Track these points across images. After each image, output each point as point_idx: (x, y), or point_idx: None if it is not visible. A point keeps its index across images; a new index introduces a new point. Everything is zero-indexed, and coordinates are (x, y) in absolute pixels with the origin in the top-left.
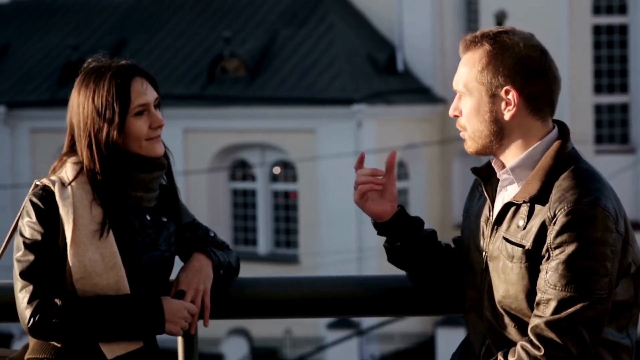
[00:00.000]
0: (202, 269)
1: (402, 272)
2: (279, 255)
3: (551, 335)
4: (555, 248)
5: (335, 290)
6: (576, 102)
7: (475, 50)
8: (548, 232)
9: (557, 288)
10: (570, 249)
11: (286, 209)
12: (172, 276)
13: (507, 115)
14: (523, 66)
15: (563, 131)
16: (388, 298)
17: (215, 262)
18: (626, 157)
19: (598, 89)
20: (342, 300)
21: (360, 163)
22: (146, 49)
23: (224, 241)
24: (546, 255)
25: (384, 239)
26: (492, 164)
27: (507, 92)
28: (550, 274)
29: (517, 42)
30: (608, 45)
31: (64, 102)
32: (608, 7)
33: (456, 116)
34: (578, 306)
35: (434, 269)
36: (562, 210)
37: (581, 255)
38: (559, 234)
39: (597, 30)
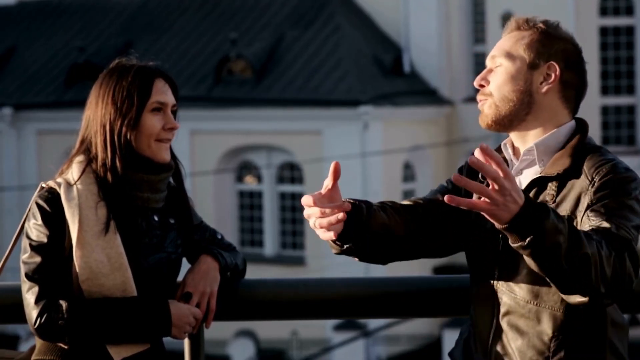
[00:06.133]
0: (209, 271)
1: (408, 274)
2: (285, 257)
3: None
4: (596, 202)
5: (341, 292)
6: (583, 103)
7: (527, 30)
8: (585, 196)
9: (602, 226)
10: (609, 198)
11: (292, 211)
12: (180, 278)
13: (543, 89)
14: (568, 55)
15: (583, 126)
16: (394, 300)
17: (222, 264)
18: (633, 158)
19: (605, 91)
20: (349, 302)
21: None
22: (152, 51)
23: (231, 243)
24: (585, 213)
25: None
26: (503, 150)
27: (549, 67)
28: (592, 218)
29: (569, 36)
30: (615, 47)
31: (70, 104)
32: (615, 8)
33: (482, 86)
34: (624, 235)
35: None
36: (600, 174)
37: (621, 198)
38: (598, 190)
39: (603, 31)
